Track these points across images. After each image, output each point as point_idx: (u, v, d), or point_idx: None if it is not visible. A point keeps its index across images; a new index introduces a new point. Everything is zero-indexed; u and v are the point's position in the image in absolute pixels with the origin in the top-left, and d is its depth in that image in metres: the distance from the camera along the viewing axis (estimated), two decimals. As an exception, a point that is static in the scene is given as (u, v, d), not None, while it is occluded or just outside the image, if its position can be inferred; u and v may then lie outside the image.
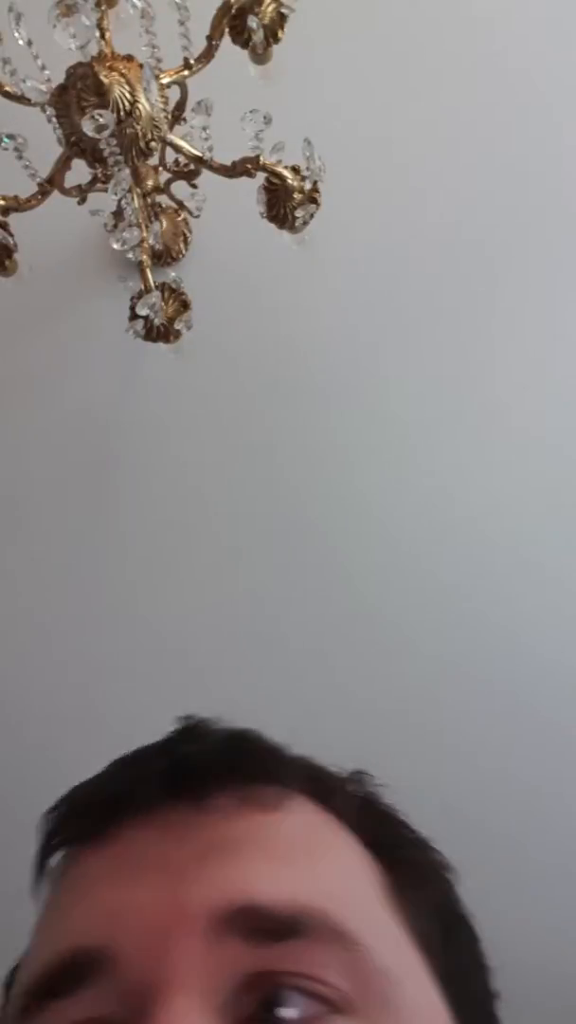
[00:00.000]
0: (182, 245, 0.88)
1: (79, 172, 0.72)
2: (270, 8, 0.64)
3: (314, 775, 0.38)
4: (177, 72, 0.68)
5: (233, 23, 0.65)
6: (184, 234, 0.88)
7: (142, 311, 0.76)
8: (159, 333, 0.80)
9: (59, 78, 0.65)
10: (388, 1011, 0.30)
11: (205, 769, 0.35)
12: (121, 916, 0.31)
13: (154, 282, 0.77)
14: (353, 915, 0.31)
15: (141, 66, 0.65)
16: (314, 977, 0.29)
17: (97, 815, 0.35)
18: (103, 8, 0.64)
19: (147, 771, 0.36)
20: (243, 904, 0.30)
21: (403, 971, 0.32)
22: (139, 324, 0.78)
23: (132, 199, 0.70)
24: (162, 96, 0.67)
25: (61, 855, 0.36)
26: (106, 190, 0.70)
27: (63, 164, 0.71)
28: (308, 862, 0.33)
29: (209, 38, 0.66)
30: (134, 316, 0.78)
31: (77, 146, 0.67)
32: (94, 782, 0.37)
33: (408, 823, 0.39)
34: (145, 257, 0.74)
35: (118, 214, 0.75)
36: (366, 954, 0.30)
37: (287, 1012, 0.28)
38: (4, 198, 0.73)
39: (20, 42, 0.62)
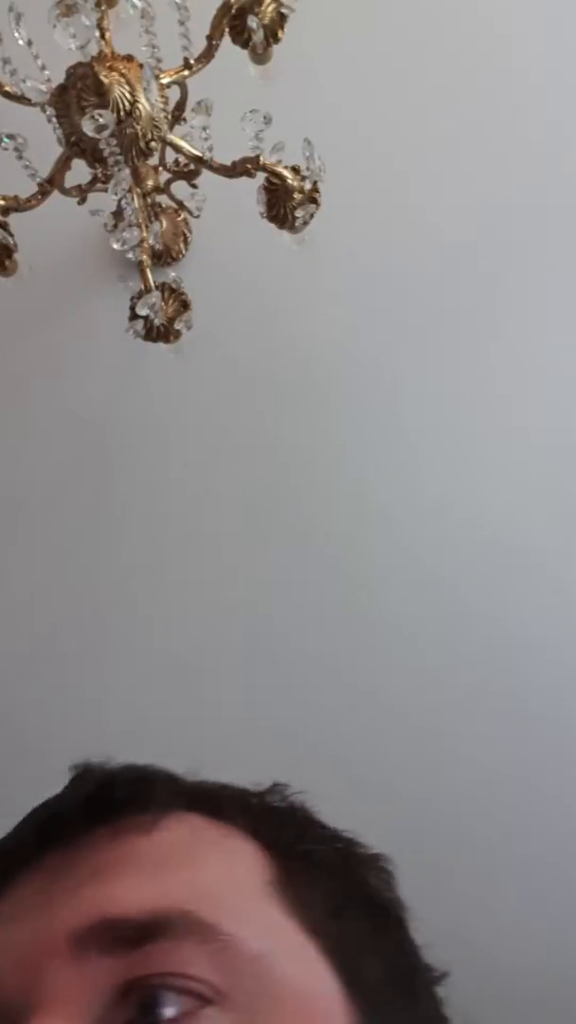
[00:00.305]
0: (182, 245, 0.88)
1: (79, 172, 0.72)
2: (270, 8, 0.64)
3: (201, 794, 0.39)
4: (177, 72, 0.68)
5: (233, 23, 0.65)
6: (184, 234, 0.88)
7: (142, 311, 0.76)
8: (159, 333, 0.80)
9: (59, 78, 0.65)
10: (266, 993, 0.31)
11: (77, 814, 0.36)
12: None
13: (154, 282, 0.77)
14: (222, 909, 0.32)
15: (141, 66, 0.65)
16: (180, 974, 0.30)
17: None
18: (103, 8, 0.64)
19: (31, 827, 0.38)
20: (98, 919, 0.31)
21: (282, 954, 0.33)
22: (139, 324, 0.78)
23: (132, 199, 0.70)
24: (162, 96, 0.67)
25: None
26: (106, 190, 0.70)
27: (63, 164, 0.72)
28: (177, 871, 0.34)
29: (209, 38, 0.66)
30: (134, 316, 0.78)
31: (77, 146, 0.67)
32: None
33: (316, 823, 0.40)
34: (145, 257, 0.74)
35: (118, 214, 0.75)
36: (234, 942, 0.31)
37: (161, 1012, 0.29)
38: (4, 198, 0.73)
39: (20, 42, 0.62)
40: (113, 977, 0.30)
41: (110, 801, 0.37)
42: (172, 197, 0.79)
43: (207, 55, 0.67)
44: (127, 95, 0.64)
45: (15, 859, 0.36)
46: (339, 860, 0.39)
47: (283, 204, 0.73)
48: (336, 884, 0.37)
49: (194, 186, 0.78)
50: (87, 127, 0.63)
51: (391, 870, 0.40)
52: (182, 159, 0.75)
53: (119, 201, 0.69)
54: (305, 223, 0.75)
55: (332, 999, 0.33)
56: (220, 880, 0.35)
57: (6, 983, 0.31)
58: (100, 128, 0.63)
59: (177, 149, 0.72)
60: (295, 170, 0.73)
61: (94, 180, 0.75)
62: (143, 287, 0.77)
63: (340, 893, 0.37)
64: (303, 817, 0.40)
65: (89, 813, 0.36)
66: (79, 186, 0.75)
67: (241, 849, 0.37)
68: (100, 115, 0.63)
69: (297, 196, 0.73)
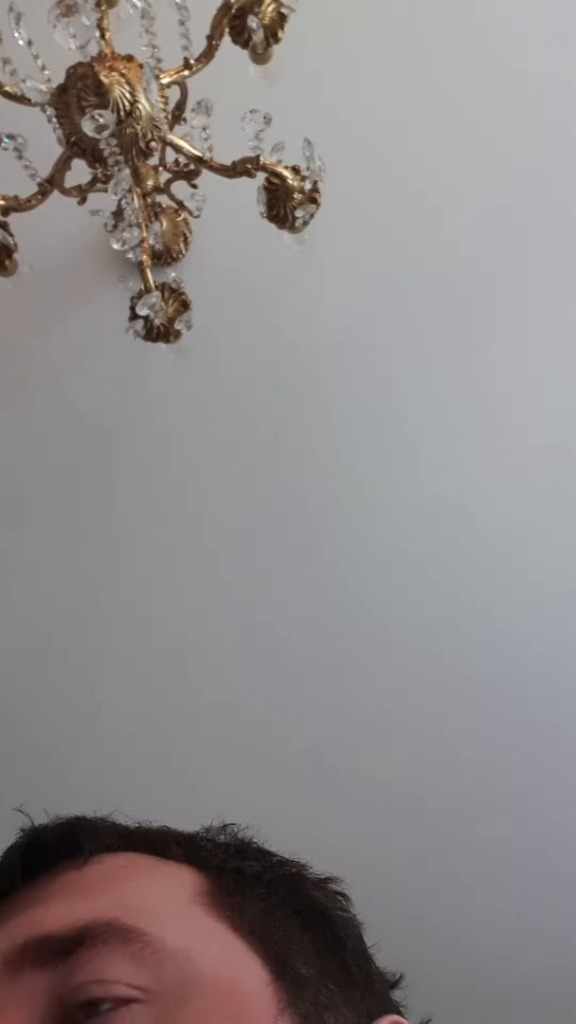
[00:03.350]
0: (182, 245, 0.88)
1: (79, 172, 0.72)
2: (270, 8, 0.64)
3: (136, 835, 0.42)
4: (177, 72, 0.68)
5: (233, 23, 0.65)
6: (184, 234, 0.88)
7: (142, 311, 0.76)
8: (159, 333, 0.80)
9: (59, 78, 0.65)
10: (188, 983, 0.33)
11: (13, 869, 0.39)
12: None
13: (154, 282, 0.77)
14: (143, 914, 0.35)
15: (141, 66, 0.65)
16: (106, 978, 0.32)
17: None
18: (103, 8, 0.64)
19: None
20: (28, 937, 0.34)
21: (204, 949, 0.35)
22: (139, 324, 0.78)
23: (132, 199, 0.70)
24: (162, 96, 0.67)
25: None
26: (106, 190, 0.70)
27: (63, 164, 0.72)
28: (106, 892, 0.37)
29: (209, 38, 0.66)
30: (134, 316, 0.78)
31: (77, 146, 0.67)
32: None
33: (258, 850, 0.43)
34: (145, 257, 0.74)
35: (118, 214, 0.75)
36: (154, 940, 0.34)
37: (91, 1014, 0.32)
38: (4, 198, 0.73)
39: (20, 42, 0.62)
40: (46, 988, 0.32)
41: (43, 850, 0.39)
42: (172, 197, 0.79)
43: (207, 55, 0.67)
44: (127, 95, 0.64)
45: None
46: (274, 875, 0.41)
47: (283, 204, 0.73)
48: (268, 892, 0.40)
49: (194, 186, 0.78)
50: (87, 127, 0.63)
51: (342, 891, 0.43)
52: (182, 159, 0.75)
53: (119, 201, 0.69)
54: (305, 223, 0.75)
55: (257, 984, 0.35)
56: (145, 894, 0.37)
57: None
58: (100, 128, 0.63)
59: (177, 149, 0.72)
60: (295, 170, 0.73)
61: (94, 180, 0.75)
62: (143, 287, 0.77)
63: (272, 900, 0.39)
64: (244, 845, 0.43)
65: (24, 865, 0.39)
66: (79, 186, 0.75)
67: (173, 872, 0.39)
68: (100, 115, 0.63)
69: (297, 196, 0.73)
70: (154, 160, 0.75)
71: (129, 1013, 0.32)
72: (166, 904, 0.37)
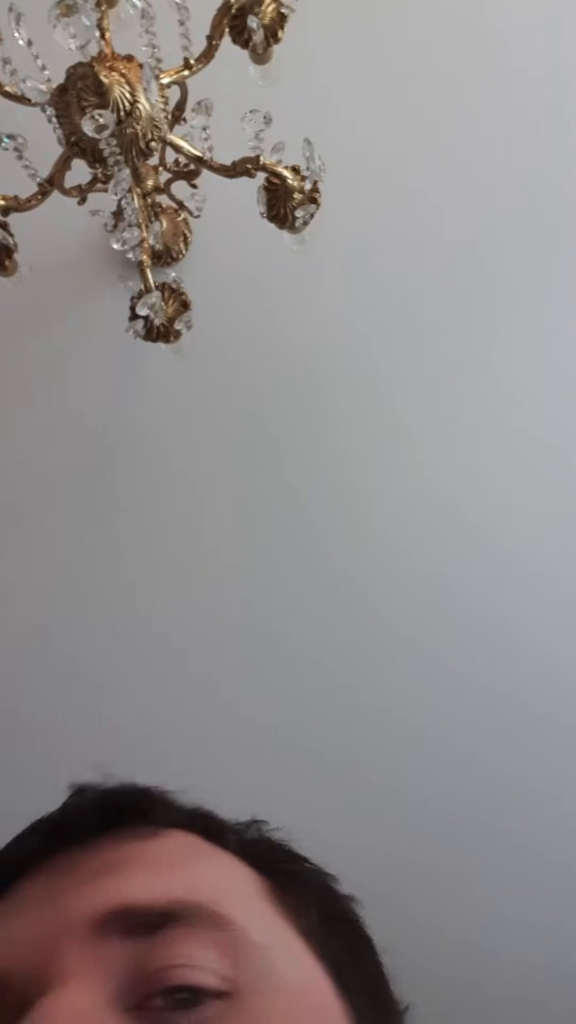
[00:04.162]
0: (182, 245, 0.88)
1: (79, 172, 0.72)
2: (270, 8, 0.64)
3: (196, 816, 0.41)
4: (177, 72, 0.68)
5: (233, 23, 0.65)
6: (184, 234, 0.88)
7: (142, 311, 0.76)
8: (159, 333, 0.80)
9: (59, 78, 0.65)
10: (270, 984, 0.32)
11: (83, 821, 0.38)
12: (6, 945, 0.33)
13: (154, 282, 0.77)
14: (227, 903, 0.34)
15: (141, 66, 0.65)
16: (194, 963, 0.31)
17: None
18: (103, 8, 0.64)
19: (35, 834, 0.39)
20: (117, 905, 0.32)
21: (282, 950, 0.34)
22: (139, 324, 0.78)
23: (132, 199, 0.70)
24: (162, 96, 0.67)
25: None
26: (106, 190, 0.70)
27: (63, 164, 0.71)
28: (181, 870, 0.36)
29: (209, 38, 0.66)
30: (134, 316, 0.78)
31: (77, 146, 0.67)
32: None
33: (290, 848, 0.42)
34: (145, 257, 0.74)
35: (118, 214, 0.75)
36: (241, 932, 0.33)
37: (176, 996, 0.31)
38: (4, 198, 0.73)
39: (20, 42, 0.62)
40: (130, 960, 0.31)
41: (116, 811, 0.38)
42: (172, 197, 0.79)
43: (207, 55, 0.67)
44: (127, 95, 0.64)
45: (20, 862, 0.38)
46: (323, 883, 0.40)
47: (283, 204, 0.73)
48: (323, 901, 0.39)
49: (194, 186, 0.78)
50: (87, 127, 0.63)
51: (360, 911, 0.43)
52: (182, 159, 0.75)
53: (119, 201, 0.69)
54: (305, 223, 0.75)
55: (329, 996, 0.34)
56: (221, 881, 0.36)
57: (22, 961, 0.32)
58: (100, 128, 0.63)
59: (177, 149, 0.72)
60: (295, 170, 0.73)
61: (94, 180, 0.75)
62: (143, 287, 0.77)
63: (323, 909, 0.38)
64: (286, 846, 0.42)
65: (95, 821, 0.38)
66: (79, 186, 0.75)
67: (234, 864, 0.39)
68: (100, 115, 0.63)
69: (297, 196, 0.73)
70: (154, 160, 0.75)
71: (212, 1007, 0.31)
72: (242, 896, 0.36)
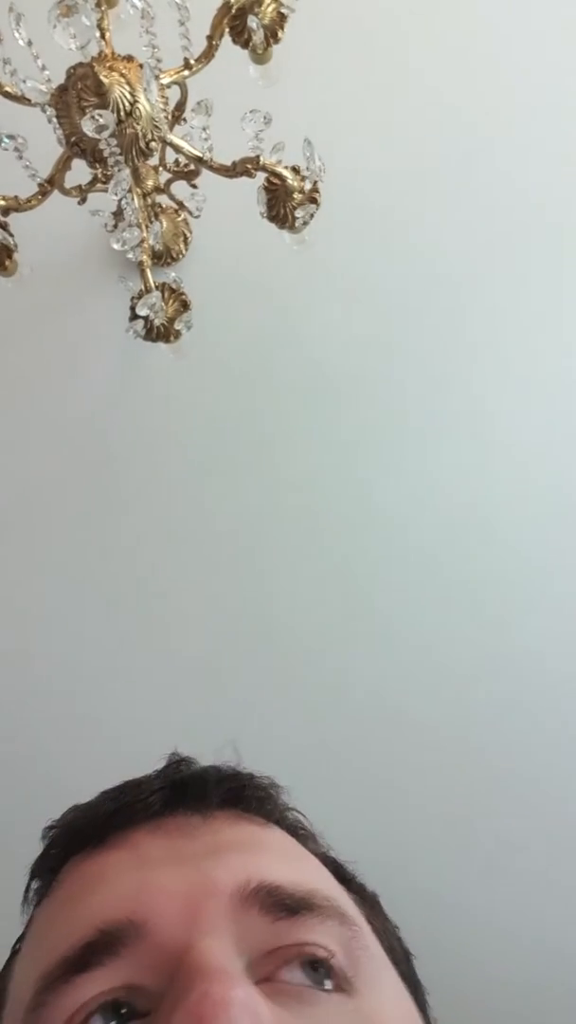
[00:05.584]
0: (182, 245, 0.88)
1: (79, 172, 0.72)
2: (270, 8, 0.64)
3: (293, 820, 0.43)
4: (177, 72, 0.68)
5: (233, 23, 0.65)
6: (184, 234, 0.88)
7: (142, 311, 0.76)
8: (159, 333, 0.80)
9: (59, 78, 0.65)
10: (379, 988, 0.34)
11: (205, 789, 0.40)
12: (147, 894, 0.33)
13: (154, 282, 0.77)
14: (345, 903, 0.36)
15: (141, 66, 0.65)
16: (325, 947, 0.33)
17: (102, 825, 0.38)
18: (103, 8, 0.64)
19: (148, 789, 0.40)
20: (261, 882, 0.34)
21: (382, 958, 0.36)
22: (139, 324, 0.78)
23: (132, 199, 0.70)
24: (162, 96, 0.67)
25: (64, 865, 0.39)
26: (106, 190, 0.70)
27: (63, 164, 0.72)
28: (300, 864, 0.38)
29: (209, 38, 0.66)
30: (134, 316, 0.78)
31: (77, 146, 0.67)
32: (93, 802, 0.41)
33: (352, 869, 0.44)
34: (145, 257, 0.74)
35: (118, 214, 0.75)
36: (360, 933, 0.35)
37: (305, 975, 0.32)
38: (4, 198, 0.73)
39: (20, 42, 0.62)
40: (264, 935, 0.33)
41: (238, 792, 0.40)
42: (172, 197, 0.79)
43: (207, 55, 0.67)
44: (127, 95, 0.64)
45: (128, 812, 0.39)
46: (372, 892, 0.42)
47: (283, 204, 0.73)
48: (376, 907, 0.41)
49: (194, 186, 0.78)
50: (87, 127, 0.63)
51: None
52: (182, 159, 0.75)
53: (119, 201, 0.69)
54: (305, 223, 0.75)
55: (415, 1016, 0.36)
56: (329, 881, 0.38)
57: (160, 916, 0.32)
58: (100, 128, 0.63)
59: (177, 149, 0.72)
60: (295, 170, 0.73)
61: (94, 180, 0.75)
62: (143, 287, 0.77)
63: (381, 917, 0.40)
64: (350, 867, 0.44)
65: (218, 796, 0.40)
66: (79, 186, 0.75)
67: (322, 866, 0.40)
68: (100, 115, 0.63)
69: (297, 196, 0.73)
70: (154, 160, 0.75)
71: (334, 997, 0.32)
72: (350, 904, 0.37)
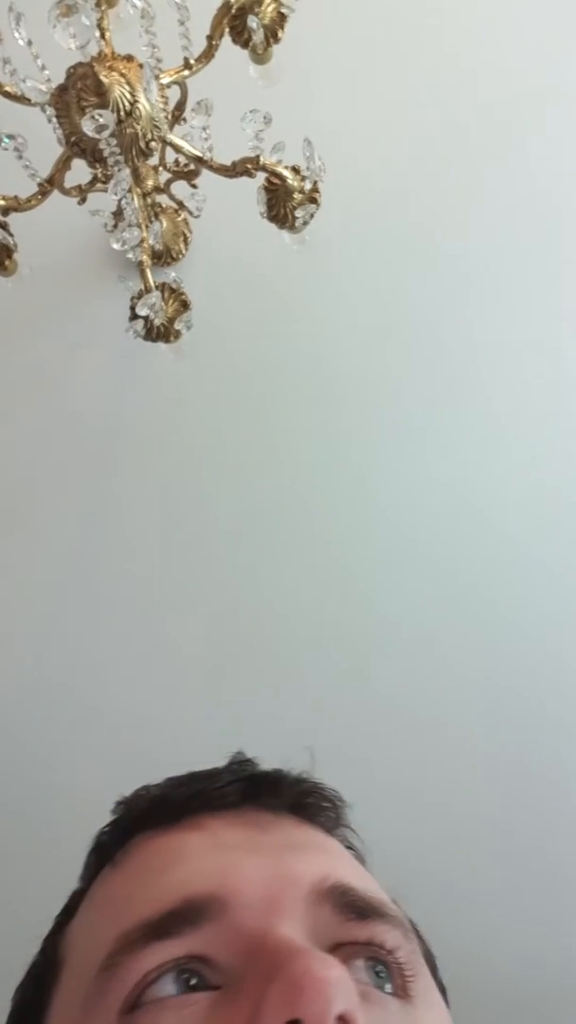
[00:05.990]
0: (182, 245, 0.88)
1: (79, 172, 0.72)
2: (270, 8, 0.64)
3: (350, 837, 0.44)
4: (177, 72, 0.68)
5: (233, 23, 0.65)
6: (184, 234, 0.88)
7: (142, 311, 0.76)
8: (159, 333, 0.80)
9: (59, 78, 0.65)
10: (431, 1000, 0.36)
11: (279, 789, 0.42)
12: (231, 874, 0.35)
13: (154, 282, 0.77)
14: (405, 917, 0.38)
15: (141, 66, 0.65)
16: (391, 951, 0.35)
17: (178, 807, 0.40)
18: (103, 8, 0.64)
19: (223, 780, 0.42)
20: (337, 881, 0.36)
21: (430, 973, 0.38)
22: (139, 324, 0.78)
23: (132, 199, 0.70)
24: (162, 96, 0.67)
25: (131, 839, 0.41)
26: (106, 190, 0.70)
27: (63, 164, 0.72)
28: (366, 874, 0.40)
29: (209, 38, 0.66)
30: (134, 316, 0.78)
31: (77, 146, 0.67)
32: (164, 784, 0.43)
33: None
34: (145, 257, 0.74)
35: (118, 214, 0.75)
36: (419, 946, 0.37)
37: (363, 975, 0.34)
38: (4, 198, 0.73)
39: (20, 42, 0.62)
40: (334, 932, 0.34)
41: (305, 799, 0.43)
42: (172, 197, 0.79)
43: (207, 55, 0.67)
44: (127, 95, 0.64)
45: (204, 799, 0.41)
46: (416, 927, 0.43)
47: (283, 204, 0.73)
48: (427, 947, 0.41)
49: (194, 186, 0.78)
50: (87, 127, 0.63)
51: None
52: (182, 159, 0.75)
53: (119, 201, 0.69)
54: (305, 223, 0.75)
55: None
56: (384, 896, 0.39)
57: (242, 896, 0.34)
58: (100, 128, 0.63)
59: (177, 149, 0.72)
60: (295, 170, 0.73)
61: (94, 180, 0.75)
62: (143, 287, 0.77)
63: (432, 960, 0.41)
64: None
65: (289, 799, 0.42)
66: (79, 186, 0.75)
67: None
68: (100, 115, 0.63)
69: (297, 196, 0.73)
70: (154, 160, 0.75)
71: (395, 1001, 0.33)
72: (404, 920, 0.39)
